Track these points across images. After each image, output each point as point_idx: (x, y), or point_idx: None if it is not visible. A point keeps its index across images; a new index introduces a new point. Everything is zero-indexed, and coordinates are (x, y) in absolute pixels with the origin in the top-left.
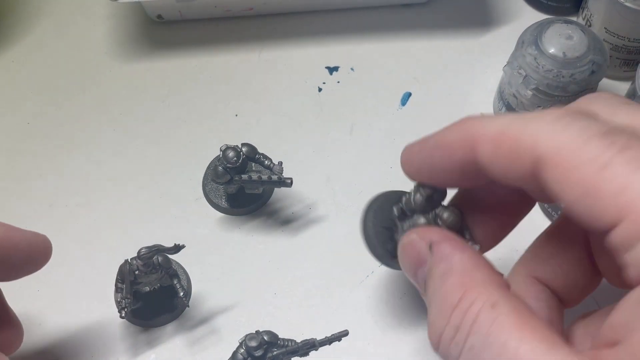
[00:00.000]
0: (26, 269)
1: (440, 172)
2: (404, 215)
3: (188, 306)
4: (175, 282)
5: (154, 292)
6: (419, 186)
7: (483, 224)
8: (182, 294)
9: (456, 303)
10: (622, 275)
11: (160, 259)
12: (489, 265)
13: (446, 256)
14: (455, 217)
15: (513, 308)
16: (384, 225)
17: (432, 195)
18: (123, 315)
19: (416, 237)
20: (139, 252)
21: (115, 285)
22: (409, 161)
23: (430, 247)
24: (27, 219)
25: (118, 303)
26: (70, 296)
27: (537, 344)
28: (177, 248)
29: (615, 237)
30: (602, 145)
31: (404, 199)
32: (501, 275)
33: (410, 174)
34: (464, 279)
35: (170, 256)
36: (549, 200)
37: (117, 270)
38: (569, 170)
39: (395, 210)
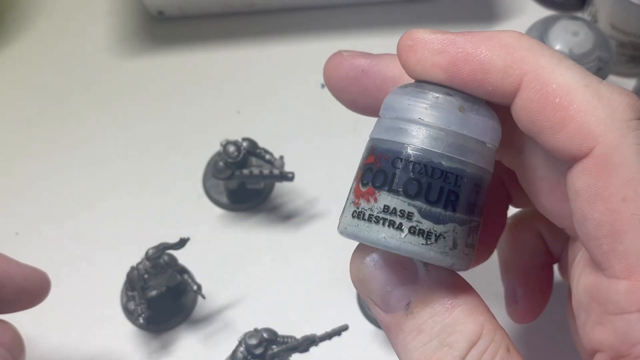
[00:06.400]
0: (21, 304)
1: (456, 80)
2: None
3: (204, 297)
4: (185, 277)
5: (160, 295)
6: None
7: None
8: (195, 287)
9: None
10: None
11: (166, 257)
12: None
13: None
14: None
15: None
16: None
17: None
18: (141, 321)
19: None
20: (146, 253)
21: (126, 294)
22: (425, 59)
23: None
24: (28, 219)
25: (134, 311)
26: (70, 296)
27: None
28: (182, 242)
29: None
30: None
31: None
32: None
33: (419, 72)
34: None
35: (174, 254)
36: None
37: (117, 269)
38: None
39: None
